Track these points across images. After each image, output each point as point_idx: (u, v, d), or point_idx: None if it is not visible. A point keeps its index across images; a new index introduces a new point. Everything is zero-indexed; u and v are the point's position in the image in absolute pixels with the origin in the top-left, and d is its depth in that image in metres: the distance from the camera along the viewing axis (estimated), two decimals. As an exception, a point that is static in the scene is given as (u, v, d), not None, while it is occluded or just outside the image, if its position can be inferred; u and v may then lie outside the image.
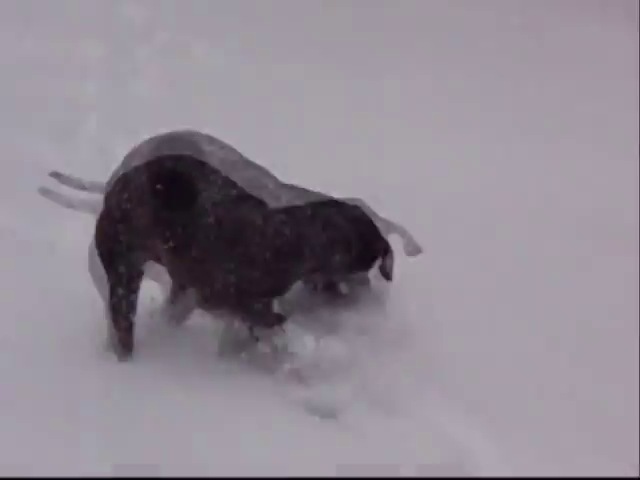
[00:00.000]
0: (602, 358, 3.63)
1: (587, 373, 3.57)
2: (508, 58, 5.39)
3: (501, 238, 4.19)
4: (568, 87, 5.18)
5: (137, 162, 3.31)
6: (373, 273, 3.33)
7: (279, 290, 3.28)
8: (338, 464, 3.04)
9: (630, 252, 4.15)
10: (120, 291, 3.30)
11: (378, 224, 3.36)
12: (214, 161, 3.29)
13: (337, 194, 4.29)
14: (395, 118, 4.99)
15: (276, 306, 3.29)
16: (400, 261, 3.54)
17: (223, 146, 3.38)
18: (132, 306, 3.33)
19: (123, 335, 3.35)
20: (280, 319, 3.29)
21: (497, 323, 3.77)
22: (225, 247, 3.21)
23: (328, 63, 5.35)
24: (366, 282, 3.37)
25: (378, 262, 3.35)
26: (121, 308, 3.32)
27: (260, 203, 3.23)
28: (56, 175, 3.49)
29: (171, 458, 3.00)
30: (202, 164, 3.27)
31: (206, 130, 4.79)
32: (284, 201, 3.26)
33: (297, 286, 3.32)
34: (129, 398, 3.23)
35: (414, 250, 3.42)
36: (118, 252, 3.29)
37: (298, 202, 3.29)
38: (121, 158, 4.62)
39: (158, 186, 3.25)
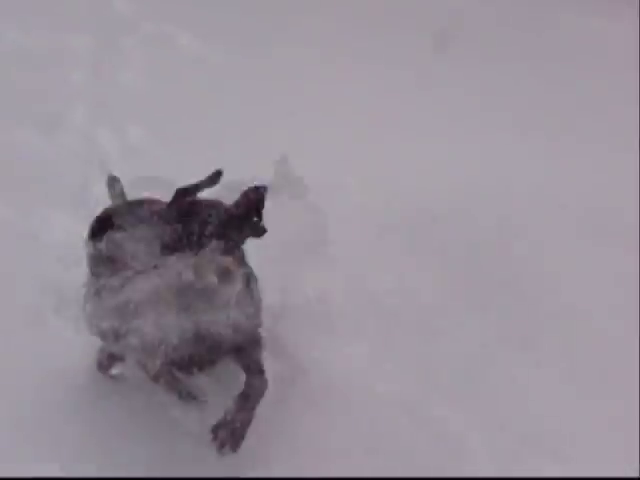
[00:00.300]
0: (602, 358, 3.67)
1: (586, 373, 3.61)
2: (506, 52, 5.43)
3: (499, 236, 4.23)
4: (567, 82, 5.23)
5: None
6: None
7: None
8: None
9: (630, 251, 4.19)
10: None
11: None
12: None
13: (332, 192, 4.36)
14: (393, 113, 5.02)
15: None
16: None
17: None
18: None
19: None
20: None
21: (494, 323, 3.81)
22: None
23: (321, 53, 5.39)
24: None
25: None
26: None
27: None
28: (112, 180, 3.55)
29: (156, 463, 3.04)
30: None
31: (191, 120, 4.88)
32: None
33: None
34: (117, 394, 3.27)
35: None
36: None
37: None
38: (107, 149, 4.70)
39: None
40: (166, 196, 3.03)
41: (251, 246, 3.02)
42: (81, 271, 3.64)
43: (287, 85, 5.17)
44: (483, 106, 5.12)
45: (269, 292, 3.24)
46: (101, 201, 4.23)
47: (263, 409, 3.09)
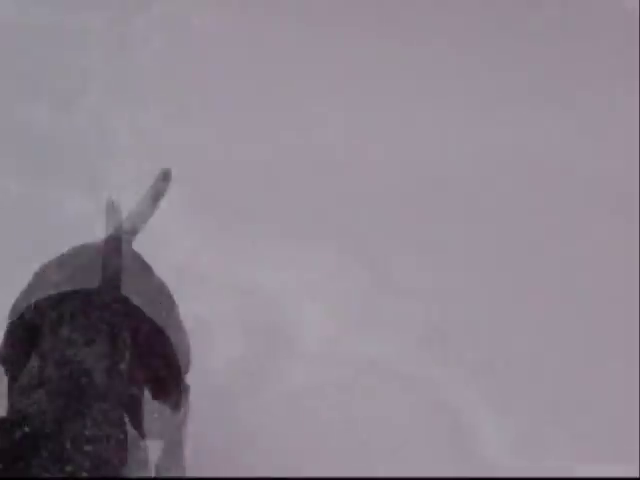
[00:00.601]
0: (603, 346, 3.68)
1: (585, 369, 3.62)
2: (509, 24, 5.44)
3: (508, 207, 4.23)
4: (570, 52, 5.23)
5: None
6: None
7: None
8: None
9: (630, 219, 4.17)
10: None
11: None
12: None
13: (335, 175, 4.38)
14: (393, 87, 5.01)
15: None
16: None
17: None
18: None
19: None
20: None
21: (499, 290, 3.82)
22: None
23: (335, 29, 5.38)
24: None
25: None
26: None
27: None
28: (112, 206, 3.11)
29: None
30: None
31: (206, 101, 4.88)
32: None
33: None
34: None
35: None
36: None
37: None
38: (121, 128, 4.72)
39: None
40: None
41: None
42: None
43: (304, 66, 5.16)
44: (486, 71, 5.10)
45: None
46: (113, 180, 4.27)
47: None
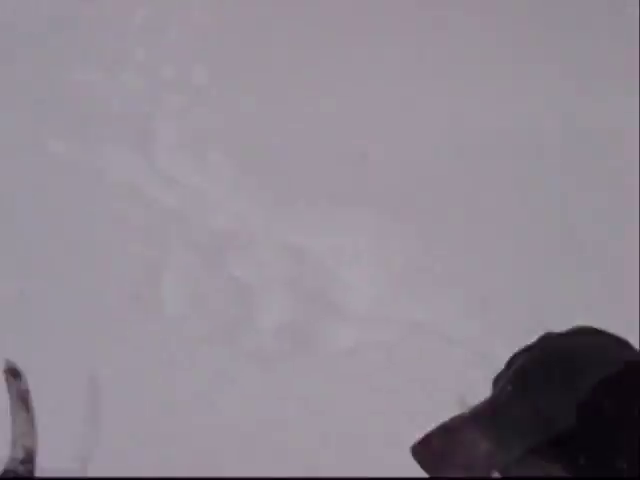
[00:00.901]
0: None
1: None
2: (510, 25, 5.41)
3: (516, 186, 4.22)
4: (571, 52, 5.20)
5: None
6: None
7: None
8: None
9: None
10: None
11: None
12: None
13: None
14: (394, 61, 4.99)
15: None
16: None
17: None
18: None
19: None
20: None
21: (543, 256, 3.82)
22: None
23: (348, 12, 5.38)
24: None
25: None
26: None
27: None
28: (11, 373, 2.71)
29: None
30: None
31: (254, 60, 4.88)
32: None
33: None
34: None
35: None
36: None
37: None
38: (169, 86, 4.73)
39: None
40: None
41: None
42: (143, 203, 3.77)
43: (343, 45, 5.14)
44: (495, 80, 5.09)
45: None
46: (163, 138, 4.31)
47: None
